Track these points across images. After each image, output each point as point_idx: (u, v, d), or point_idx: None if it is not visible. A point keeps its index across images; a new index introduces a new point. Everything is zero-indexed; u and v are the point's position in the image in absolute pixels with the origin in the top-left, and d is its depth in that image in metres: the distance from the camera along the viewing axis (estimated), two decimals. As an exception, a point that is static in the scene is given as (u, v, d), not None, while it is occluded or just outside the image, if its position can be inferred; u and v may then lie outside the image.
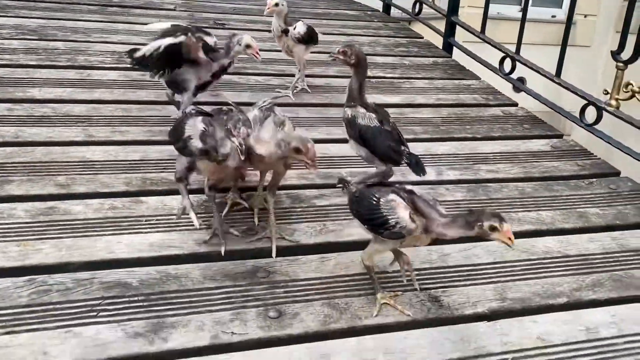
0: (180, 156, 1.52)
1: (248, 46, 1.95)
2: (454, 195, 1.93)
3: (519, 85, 2.78)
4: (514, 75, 2.81)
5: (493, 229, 1.20)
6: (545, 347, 1.33)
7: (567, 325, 1.41)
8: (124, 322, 1.26)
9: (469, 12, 5.36)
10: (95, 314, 1.27)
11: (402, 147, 1.70)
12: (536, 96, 2.67)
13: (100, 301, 1.30)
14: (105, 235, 1.52)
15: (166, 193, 1.74)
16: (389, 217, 1.29)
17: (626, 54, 2.21)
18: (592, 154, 2.32)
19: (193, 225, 1.53)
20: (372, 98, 2.55)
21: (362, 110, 1.74)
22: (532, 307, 1.46)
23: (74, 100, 2.23)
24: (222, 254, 1.49)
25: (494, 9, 6.38)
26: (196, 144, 1.41)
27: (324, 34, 3.38)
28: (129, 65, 2.16)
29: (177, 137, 1.48)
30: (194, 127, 1.43)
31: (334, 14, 3.95)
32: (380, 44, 3.37)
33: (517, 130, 2.45)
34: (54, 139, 1.95)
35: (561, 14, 7.69)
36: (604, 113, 2.29)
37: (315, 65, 2.86)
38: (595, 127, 2.34)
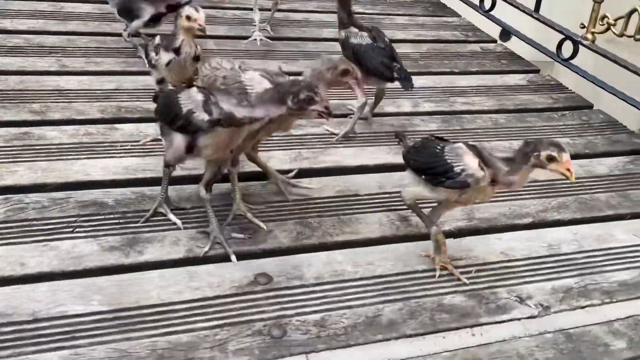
0: (174, 138, 1.26)
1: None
2: (428, 126, 1.96)
3: (508, 27, 2.74)
4: (497, 15, 2.78)
5: (551, 159, 1.13)
6: (508, 261, 1.40)
7: (530, 242, 1.47)
8: (100, 237, 1.29)
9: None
10: (71, 230, 1.30)
11: (394, 64, 1.75)
12: (517, 34, 2.66)
13: (76, 218, 1.33)
14: (80, 159, 1.54)
15: (141, 120, 1.75)
16: (454, 164, 1.21)
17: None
18: (567, 88, 2.35)
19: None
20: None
21: (354, 29, 1.80)
22: (498, 226, 1.52)
23: (47, 32, 2.20)
24: (234, 260, 1.29)
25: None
26: (202, 116, 1.19)
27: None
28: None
29: (173, 116, 1.24)
30: (192, 99, 1.22)
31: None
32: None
33: (494, 66, 2.46)
34: (27, 68, 1.94)
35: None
36: (580, 47, 2.30)
37: (295, 1, 2.82)
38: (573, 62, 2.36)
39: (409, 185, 1.33)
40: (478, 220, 1.52)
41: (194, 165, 1.51)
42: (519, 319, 1.22)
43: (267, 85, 1.33)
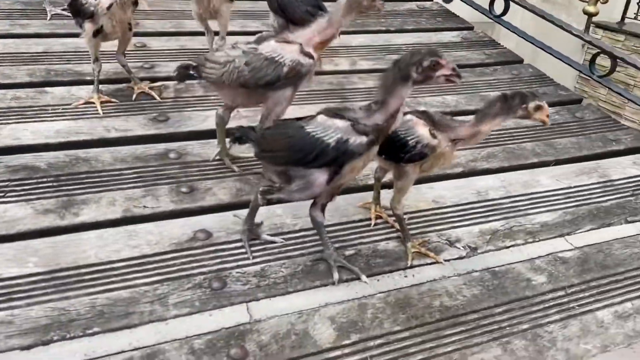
0: (311, 176, 1.13)
1: None
2: (365, 83, 1.99)
3: None
4: None
5: (538, 108, 1.16)
6: (439, 207, 1.47)
7: (460, 189, 1.54)
8: (33, 201, 1.27)
9: None
10: (2, 194, 1.27)
11: (320, 11, 1.74)
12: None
13: (7, 183, 1.30)
14: (9, 123, 1.49)
15: (72, 84, 1.70)
16: (408, 137, 1.18)
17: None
18: (500, 44, 2.43)
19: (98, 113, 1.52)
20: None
21: None
22: (430, 177, 1.57)
23: (-34, -6, 2.08)
24: (365, 281, 1.21)
25: None
26: (359, 140, 1.10)
27: None
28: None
29: (319, 152, 1.11)
30: (331, 127, 1.12)
31: None
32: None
33: (430, 24, 2.51)
34: (-54, 31, 1.84)
35: None
36: (511, 4, 2.38)
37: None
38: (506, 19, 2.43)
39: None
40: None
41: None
42: (448, 260, 1.30)
43: (291, 48, 1.31)
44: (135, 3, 1.59)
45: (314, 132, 1.12)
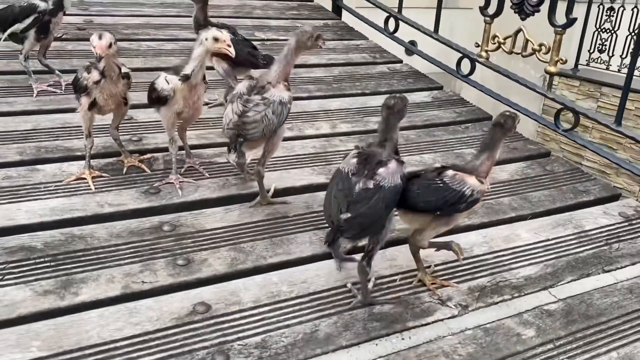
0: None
1: None
2: (346, 145, 2.07)
3: (410, 47, 2.97)
4: (404, 38, 2.99)
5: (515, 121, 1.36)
6: (428, 267, 1.52)
7: (446, 247, 1.61)
8: (32, 283, 1.28)
9: (359, -23, 5.51)
10: (0, 277, 1.28)
11: (257, 52, 2.09)
12: (422, 54, 2.87)
13: (4, 265, 1.31)
14: (2, 203, 1.51)
15: (63, 160, 1.73)
16: (463, 189, 1.30)
17: (492, 9, 2.45)
18: (468, 102, 2.57)
19: (90, 188, 1.57)
20: (266, 60, 2.63)
21: (213, 28, 1.95)
22: (417, 236, 1.65)
23: (-52, 73, 2.12)
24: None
25: (382, -27, 6.62)
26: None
27: (216, -1, 3.38)
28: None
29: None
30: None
31: (225, -22, 3.93)
32: (272, 8, 3.43)
33: (402, 85, 2.65)
34: None
35: (445, -22, 8.10)
36: (477, 65, 2.53)
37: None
38: (473, 79, 2.58)
39: (415, 228, 1.40)
40: (399, 231, 1.64)
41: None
42: (442, 320, 1.34)
43: (280, 88, 1.55)
44: (127, 76, 1.65)
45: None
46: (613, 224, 1.78)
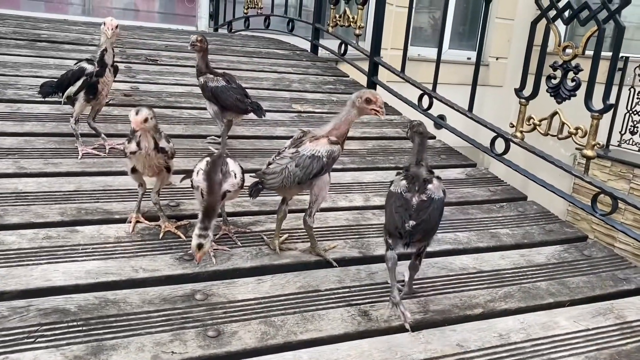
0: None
1: (112, 27, 2.12)
2: (379, 219, 2.07)
3: (440, 122, 3.03)
4: (435, 113, 3.05)
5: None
6: (464, 352, 1.47)
7: (483, 332, 1.55)
8: (62, 347, 1.27)
9: (392, 54, 5.71)
10: (32, 340, 1.28)
11: (247, 99, 2.31)
12: (453, 130, 2.90)
13: (37, 327, 1.31)
14: (40, 264, 1.53)
15: (102, 222, 1.76)
16: None
17: (527, 92, 2.48)
18: (503, 181, 2.56)
19: (129, 252, 1.58)
20: (302, 131, 2.69)
21: (210, 75, 2.33)
22: (452, 318, 1.60)
23: (3, 133, 2.21)
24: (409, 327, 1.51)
25: (415, 51, 6.84)
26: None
27: (256, 70, 3.52)
28: (59, 99, 2.20)
29: None
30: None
31: (265, 52, 4.11)
32: (309, 82, 3.55)
33: (435, 160, 2.66)
34: (-17, 171, 1.93)
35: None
36: (511, 144, 2.54)
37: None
38: (505, 157, 2.59)
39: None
40: (433, 312, 1.60)
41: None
42: (479, 411, 1.28)
43: (321, 142, 1.67)
44: (162, 151, 1.70)
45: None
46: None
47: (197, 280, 1.59)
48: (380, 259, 1.81)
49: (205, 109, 2.79)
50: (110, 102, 2.68)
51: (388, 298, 1.58)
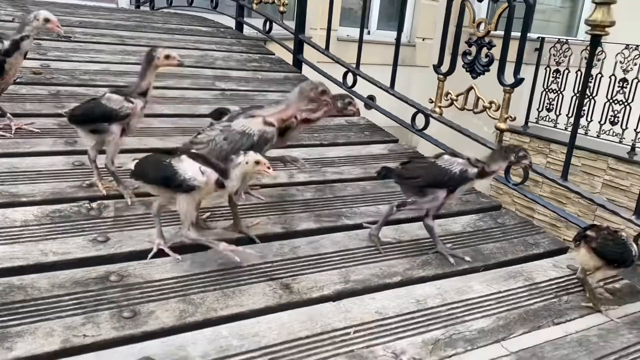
0: (438, 194, 1.74)
1: (47, 20, 1.99)
2: (303, 195, 2.08)
3: (369, 102, 3.06)
4: (360, 92, 3.08)
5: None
6: (382, 319, 1.51)
7: (401, 299, 1.60)
8: (-38, 336, 1.19)
9: (322, 34, 5.68)
10: None
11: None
12: (378, 109, 2.95)
13: None
14: (-63, 251, 1.42)
15: (7, 206, 1.66)
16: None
17: (445, 68, 2.56)
18: (423, 155, 2.63)
19: (37, 235, 1.50)
20: (225, 109, 2.65)
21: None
22: (372, 287, 1.64)
23: None
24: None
25: (344, 31, 6.86)
26: (473, 171, 1.73)
27: (178, 48, 3.41)
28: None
29: (447, 179, 1.72)
30: (454, 162, 1.73)
31: (187, 29, 3.99)
32: (234, 59, 3.49)
33: (359, 137, 2.70)
34: None
35: (403, 37, 8.46)
36: (431, 119, 2.62)
37: (169, 78, 2.88)
38: (430, 134, 2.66)
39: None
40: (354, 282, 1.63)
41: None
42: (397, 376, 1.32)
43: (256, 121, 1.64)
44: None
45: (444, 164, 1.71)
46: (562, 276, 1.82)
47: (112, 262, 1.53)
48: (301, 233, 1.83)
49: (124, 87, 2.68)
50: (17, 80, 2.51)
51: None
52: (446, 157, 1.73)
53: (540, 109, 7.19)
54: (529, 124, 7.17)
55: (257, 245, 1.73)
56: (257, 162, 1.50)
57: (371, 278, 1.67)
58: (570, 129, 7.01)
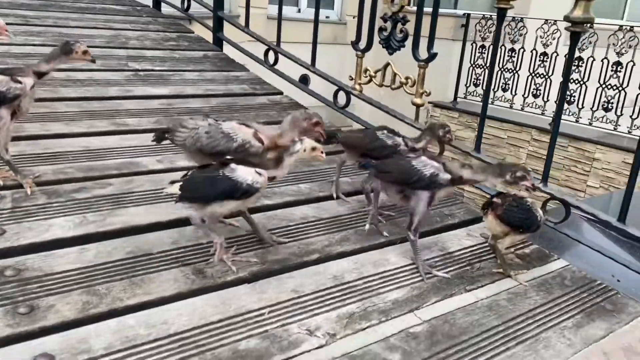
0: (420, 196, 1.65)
1: None
2: (220, 177, 2.02)
3: (298, 83, 2.99)
4: (292, 74, 3.01)
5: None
6: (299, 297, 1.50)
7: (318, 276, 1.59)
8: None
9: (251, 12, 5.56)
10: None
11: None
12: (300, 86, 2.91)
13: None
14: None
15: None
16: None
17: (363, 44, 2.55)
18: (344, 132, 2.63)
19: None
20: (139, 90, 2.54)
21: None
22: (290, 266, 1.62)
23: None
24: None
25: (272, 9, 6.75)
26: (445, 176, 1.64)
27: (88, 28, 3.24)
28: None
29: (417, 179, 1.63)
30: (429, 164, 1.65)
31: (100, 8, 3.79)
32: (149, 38, 3.35)
33: (281, 116, 2.64)
34: None
35: (334, 15, 8.43)
36: (352, 96, 2.61)
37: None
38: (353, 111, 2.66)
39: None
40: (271, 262, 1.61)
41: None
42: (309, 351, 1.31)
43: (246, 130, 1.60)
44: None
45: (417, 164, 1.64)
46: (475, 244, 1.87)
47: (7, 256, 1.44)
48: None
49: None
50: None
51: None
52: (423, 158, 1.68)
53: (468, 85, 7.39)
54: (458, 99, 7.36)
55: (169, 231, 1.67)
56: (314, 149, 1.51)
57: (289, 257, 1.65)
58: (497, 102, 7.23)
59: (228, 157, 1.54)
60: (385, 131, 1.87)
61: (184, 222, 1.71)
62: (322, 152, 1.52)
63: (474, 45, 7.26)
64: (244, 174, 1.47)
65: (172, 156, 2.10)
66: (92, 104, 2.33)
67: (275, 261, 1.62)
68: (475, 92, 7.40)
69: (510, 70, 7.02)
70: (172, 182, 1.49)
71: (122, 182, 1.77)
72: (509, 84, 7.06)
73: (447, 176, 1.64)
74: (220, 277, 1.51)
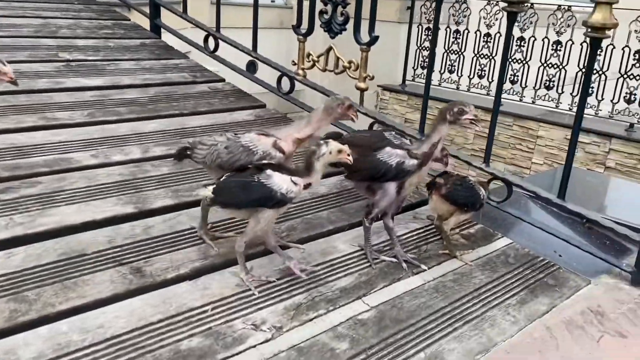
0: (387, 188, 1.60)
1: None
2: (160, 170, 1.95)
3: (245, 72, 2.90)
4: (235, 60, 2.91)
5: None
6: (243, 291, 1.45)
7: (264, 268, 1.55)
8: None
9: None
10: None
11: None
12: (244, 74, 2.83)
13: None
14: None
15: None
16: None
17: (304, 29, 2.49)
18: (290, 119, 2.59)
19: None
20: (71, 82, 2.41)
21: None
22: (233, 260, 1.57)
23: None
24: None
25: (215, -6, 6.57)
26: (412, 162, 1.58)
27: (14, 17, 3.05)
28: None
29: (385, 171, 1.57)
30: (393, 154, 1.58)
31: (28, -5, 3.59)
32: (82, 27, 3.19)
33: (223, 104, 2.59)
34: None
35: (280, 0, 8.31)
36: (295, 82, 2.56)
37: (3, 51, 2.56)
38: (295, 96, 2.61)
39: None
40: (213, 257, 1.56)
41: None
42: (254, 346, 1.28)
43: (266, 141, 1.55)
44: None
45: (382, 157, 1.58)
46: (422, 227, 1.88)
47: None
48: (157, 211, 1.72)
49: None
50: None
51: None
52: (387, 149, 1.60)
53: (415, 67, 7.44)
54: (407, 82, 7.42)
55: (104, 229, 1.59)
56: (340, 151, 1.46)
57: (233, 251, 1.59)
58: (444, 84, 7.31)
59: (265, 161, 1.50)
60: (393, 132, 1.79)
61: (120, 219, 1.64)
62: (348, 155, 1.47)
63: (420, 27, 7.31)
64: (280, 181, 1.41)
65: (107, 150, 2.01)
66: (19, 98, 2.19)
67: (217, 255, 1.57)
68: (422, 75, 7.46)
69: (456, 52, 7.11)
70: (205, 185, 1.44)
71: (53, 180, 1.67)
72: (454, 66, 7.15)
73: (414, 162, 1.59)
74: (160, 275, 1.45)
